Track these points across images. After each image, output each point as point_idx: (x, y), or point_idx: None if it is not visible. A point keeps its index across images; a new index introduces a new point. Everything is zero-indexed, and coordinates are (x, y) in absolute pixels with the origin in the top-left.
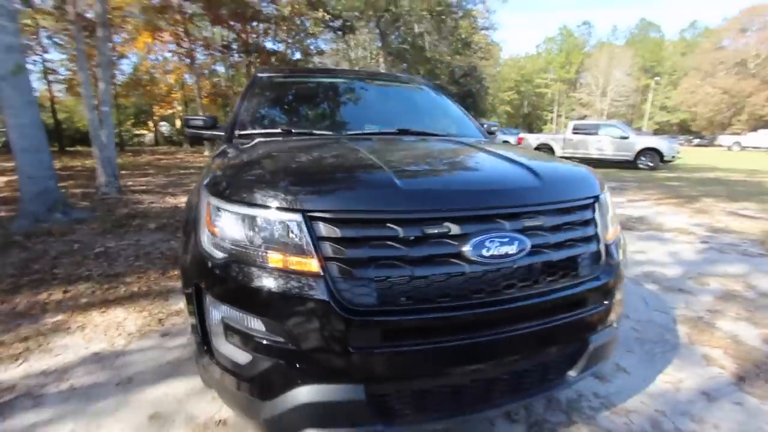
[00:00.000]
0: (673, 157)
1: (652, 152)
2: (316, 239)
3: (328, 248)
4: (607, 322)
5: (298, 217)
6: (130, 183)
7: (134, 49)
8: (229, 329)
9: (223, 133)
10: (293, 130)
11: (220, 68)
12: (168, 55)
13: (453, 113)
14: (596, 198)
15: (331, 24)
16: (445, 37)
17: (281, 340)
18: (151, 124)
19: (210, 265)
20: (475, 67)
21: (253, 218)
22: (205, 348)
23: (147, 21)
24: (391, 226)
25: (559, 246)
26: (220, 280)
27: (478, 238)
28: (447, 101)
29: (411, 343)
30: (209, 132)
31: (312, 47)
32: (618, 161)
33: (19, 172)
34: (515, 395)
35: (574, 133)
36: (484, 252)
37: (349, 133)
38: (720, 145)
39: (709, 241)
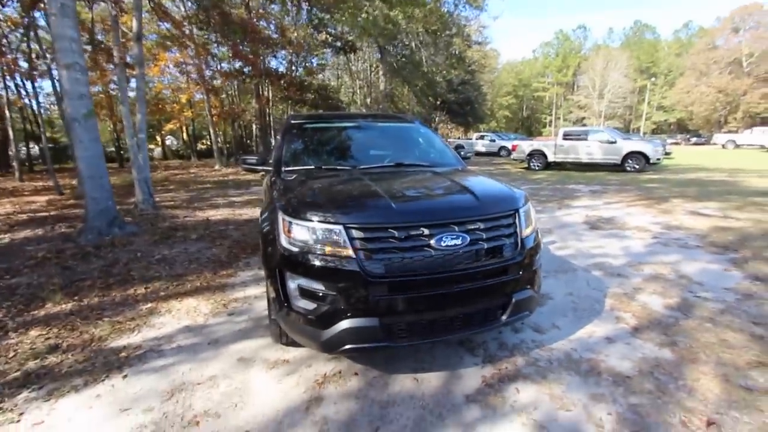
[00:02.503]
0: (659, 159)
1: (639, 155)
2: (350, 238)
3: (357, 243)
4: (524, 286)
5: (339, 227)
6: (158, 199)
7: (150, 74)
8: (302, 291)
9: (271, 168)
10: (323, 166)
11: (228, 86)
12: (181, 76)
13: (437, 145)
14: (516, 210)
15: (333, 44)
16: (441, 52)
17: (333, 293)
18: (158, 138)
19: (289, 255)
20: (472, 75)
21: (314, 228)
22: (286, 305)
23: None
24: (390, 230)
25: (489, 240)
26: (297, 263)
27: (439, 236)
28: (431, 134)
29: (403, 294)
30: (261, 167)
31: (314, 63)
32: (607, 165)
33: (86, 195)
34: (468, 327)
35: (565, 139)
36: (443, 244)
37: (362, 167)
38: (716, 144)
39: (660, 237)
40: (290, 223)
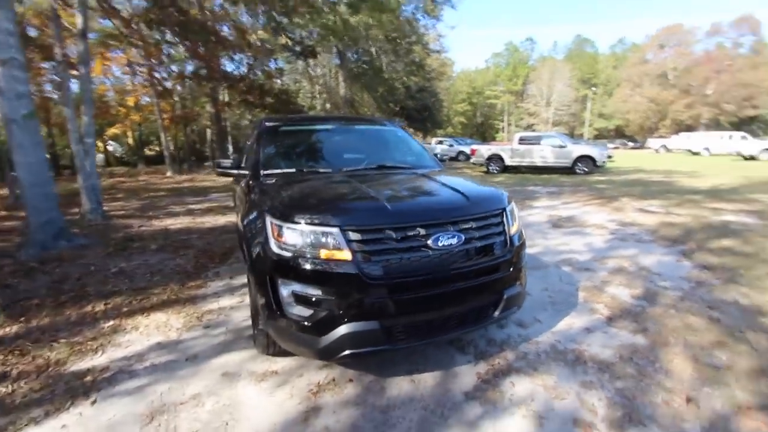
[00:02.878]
0: (604, 162)
1: (587, 159)
2: (347, 241)
3: (354, 246)
4: (513, 282)
5: (336, 230)
6: (107, 208)
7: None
8: (296, 297)
9: (248, 172)
10: (304, 169)
11: (181, 89)
12: (127, 78)
13: (414, 147)
14: (504, 209)
15: (293, 49)
16: (401, 59)
17: (332, 297)
18: (100, 144)
19: (280, 260)
20: (430, 83)
21: (308, 231)
22: (278, 313)
23: (103, 43)
24: (387, 231)
25: (481, 238)
26: (290, 268)
27: (435, 235)
28: (409, 137)
29: (403, 295)
30: (236, 171)
31: (273, 67)
32: (558, 168)
33: (28, 204)
34: (463, 326)
35: (520, 144)
36: (439, 243)
37: (345, 169)
38: (650, 148)
39: (617, 233)
40: (280, 227)
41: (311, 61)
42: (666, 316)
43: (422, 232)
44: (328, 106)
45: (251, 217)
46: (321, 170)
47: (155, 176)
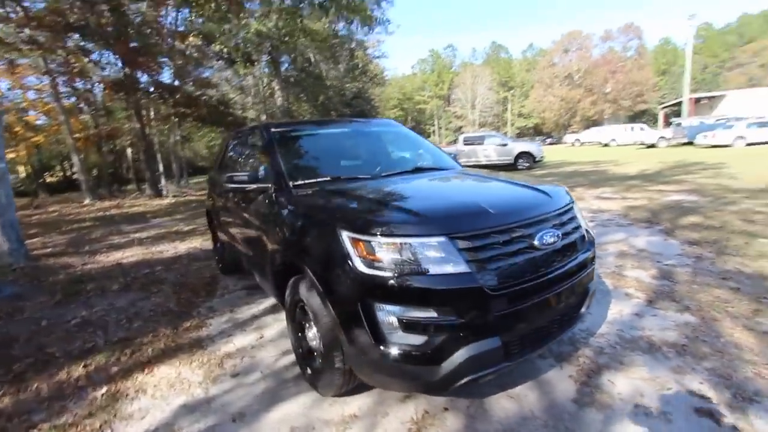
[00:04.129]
0: (542, 157)
1: (527, 155)
2: (458, 250)
3: (467, 255)
4: (593, 276)
5: (444, 239)
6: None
7: None
8: (404, 323)
9: (270, 185)
10: (341, 176)
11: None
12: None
13: (429, 147)
14: (572, 203)
15: (227, 57)
16: (344, 65)
17: (450, 317)
18: None
19: (376, 282)
20: (365, 90)
21: (409, 245)
22: (376, 344)
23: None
24: (494, 235)
25: (569, 233)
26: (392, 290)
27: (539, 234)
28: (418, 136)
29: (521, 303)
30: (254, 185)
31: (207, 76)
32: (502, 164)
33: None
34: (564, 327)
35: (465, 145)
36: (543, 242)
37: (384, 173)
38: (566, 143)
39: (595, 219)
40: (369, 242)
41: (241, 70)
42: (694, 292)
43: (526, 231)
44: (263, 117)
45: (297, 236)
46: (360, 176)
47: (69, 205)
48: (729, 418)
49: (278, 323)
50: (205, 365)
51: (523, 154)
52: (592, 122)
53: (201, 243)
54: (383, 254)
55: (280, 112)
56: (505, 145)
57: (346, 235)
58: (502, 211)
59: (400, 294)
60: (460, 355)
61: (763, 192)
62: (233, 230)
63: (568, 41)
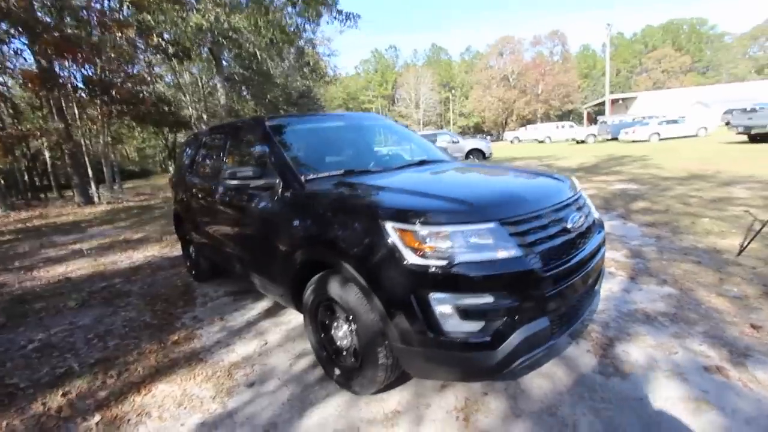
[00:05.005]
0: (491, 153)
1: (478, 151)
2: (509, 235)
3: (516, 239)
4: (605, 255)
5: (495, 224)
6: None
7: None
8: (461, 310)
9: (277, 181)
10: (354, 170)
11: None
12: None
13: (421, 140)
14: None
15: (165, 51)
16: (291, 62)
17: (507, 302)
18: None
19: (431, 272)
20: (310, 89)
21: (462, 232)
22: (432, 335)
23: None
24: (538, 219)
25: (586, 216)
26: (448, 279)
27: (570, 217)
28: (407, 129)
29: (564, 283)
30: (261, 181)
31: (130, 71)
32: None
33: None
34: (587, 306)
35: None
36: (574, 224)
37: (395, 167)
38: (505, 140)
39: None
40: (418, 232)
41: (178, 66)
42: (665, 267)
43: (559, 215)
44: (205, 116)
45: (315, 231)
46: (373, 169)
47: None
48: (734, 372)
49: (279, 327)
50: (211, 378)
51: (473, 151)
52: (526, 121)
53: (160, 251)
54: (435, 243)
55: (224, 111)
56: (456, 142)
57: (391, 227)
58: (537, 197)
59: (456, 282)
60: (515, 338)
61: (689, 179)
62: (222, 232)
63: (501, 45)
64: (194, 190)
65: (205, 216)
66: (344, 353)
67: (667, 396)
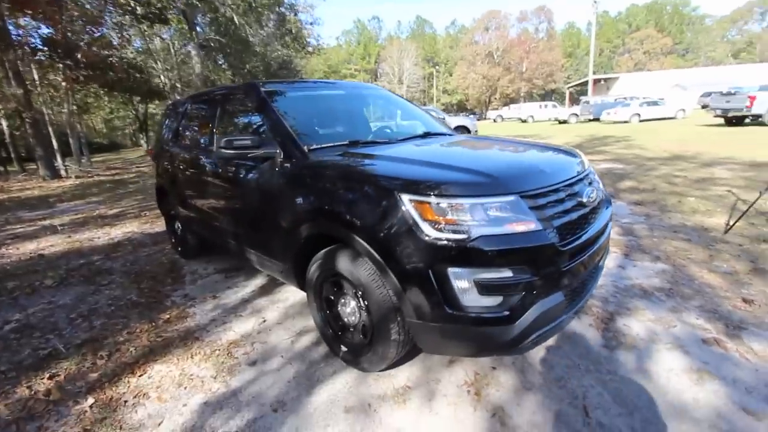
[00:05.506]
0: (476, 131)
1: (463, 128)
2: (529, 208)
3: (535, 213)
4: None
5: (514, 197)
6: None
7: None
8: (480, 285)
9: (276, 150)
10: (360, 141)
11: None
12: None
13: (421, 112)
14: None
15: (134, 11)
16: (271, 29)
17: (526, 276)
18: None
19: (450, 246)
20: (291, 59)
21: (482, 205)
22: (450, 310)
23: None
24: (555, 193)
25: (597, 191)
26: (467, 253)
27: (584, 191)
28: (405, 100)
29: (579, 257)
30: (260, 151)
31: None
32: None
33: None
34: (595, 281)
35: None
36: (589, 198)
37: (400, 138)
38: (489, 119)
39: None
40: (438, 204)
41: (147, 30)
42: (657, 244)
43: (574, 189)
44: (179, 85)
45: (322, 204)
46: (379, 140)
47: None
48: (731, 344)
49: (276, 305)
50: (210, 357)
51: (459, 128)
52: (510, 99)
53: (140, 227)
54: (455, 216)
55: (199, 81)
56: (443, 119)
57: (408, 199)
58: (555, 170)
59: (475, 256)
60: (532, 313)
61: (672, 159)
62: (214, 206)
63: (488, 20)
64: (181, 162)
65: (195, 189)
66: (351, 330)
67: (670, 367)
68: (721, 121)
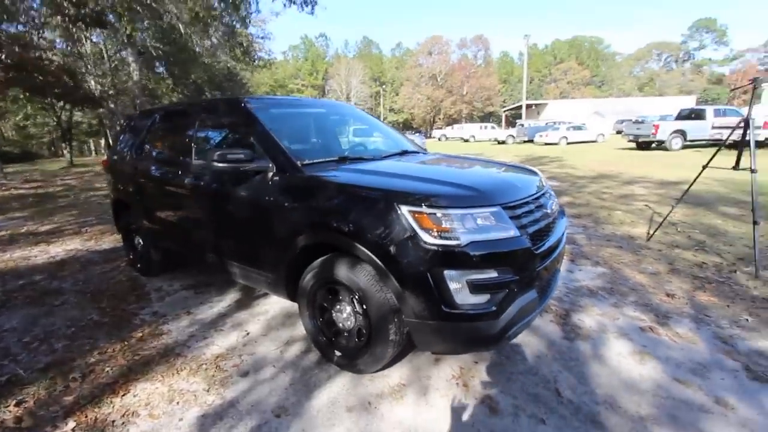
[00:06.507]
0: (425, 149)
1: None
2: (509, 218)
3: (514, 221)
4: None
5: (498, 208)
6: None
7: None
8: (472, 285)
9: (268, 164)
10: (347, 156)
11: None
12: None
13: (392, 131)
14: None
15: (65, 13)
16: (224, 42)
17: (509, 276)
18: None
19: (446, 250)
20: (236, 72)
21: (471, 215)
22: (445, 309)
23: None
24: (527, 204)
25: (555, 203)
26: (463, 256)
27: (547, 203)
28: (376, 119)
29: (547, 259)
30: (252, 165)
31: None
32: None
33: None
34: (556, 282)
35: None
36: (551, 209)
37: (383, 155)
38: (434, 137)
39: None
40: (434, 215)
41: (77, 33)
42: (595, 251)
43: (540, 201)
44: (111, 92)
45: (322, 216)
46: (365, 156)
47: None
48: (661, 330)
49: (257, 318)
50: (198, 372)
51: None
52: (453, 120)
53: (83, 244)
54: (448, 224)
55: (137, 89)
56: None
57: (407, 210)
58: (525, 185)
59: (467, 259)
60: (513, 307)
61: (599, 178)
62: (191, 219)
63: (431, 44)
64: (149, 175)
65: (167, 202)
66: (346, 334)
67: (618, 352)
68: (633, 145)
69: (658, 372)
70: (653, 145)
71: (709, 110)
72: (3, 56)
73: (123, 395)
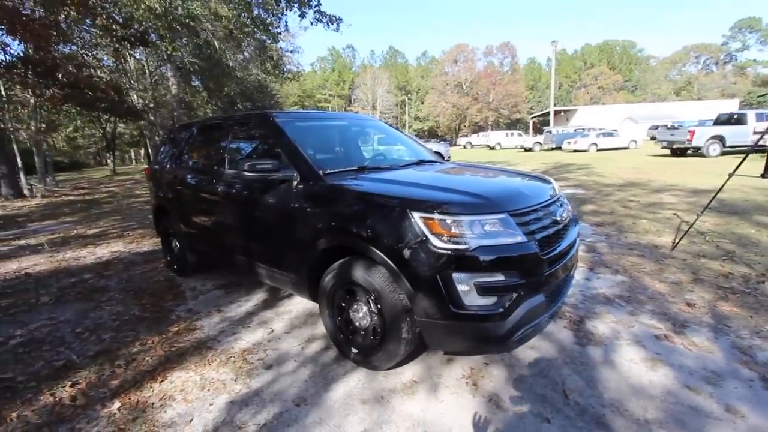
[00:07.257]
0: (449, 157)
1: (437, 154)
2: (517, 224)
3: (521, 228)
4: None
5: (505, 215)
6: None
7: None
8: (479, 287)
9: (293, 175)
10: (367, 166)
11: None
12: None
13: (411, 141)
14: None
15: (114, 33)
16: (255, 56)
17: (515, 279)
18: None
19: (454, 255)
20: (266, 84)
21: (480, 221)
22: (455, 310)
23: None
24: (536, 211)
25: (567, 212)
26: (469, 261)
27: (557, 211)
28: (397, 131)
29: (556, 265)
30: (278, 174)
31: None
32: None
33: None
34: (567, 289)
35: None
36: (561, 216)
37: (400, 165)
38: (459, 145)
39: None
40: (444, 221)
41: (122, 51)
42: (616, 260)
43: (549, 209)
44: (152, 105)
45: (342, 222)
46: (383, 167)
47: None
48: (677, 339)
49: (281, 316)
50: (227, 363)
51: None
52: (478, 127)
53: (125, 246)
54: (458, 230)
55: (175, 102)
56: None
57: (419, 217)
58: (534, 194)
59: (475, 263)
60: (521, 310)
61: (626, 186)
62: (224, 223)
63: (456, 53)
64: (187, 183)
65: (202, 208)
66: (362, 333)
67: (630, 358)
68: (668, 151)
69: (669, 379)
70: (689, 151)
71: (751, 114)
72: (60, 75)
73: (161, 381)
